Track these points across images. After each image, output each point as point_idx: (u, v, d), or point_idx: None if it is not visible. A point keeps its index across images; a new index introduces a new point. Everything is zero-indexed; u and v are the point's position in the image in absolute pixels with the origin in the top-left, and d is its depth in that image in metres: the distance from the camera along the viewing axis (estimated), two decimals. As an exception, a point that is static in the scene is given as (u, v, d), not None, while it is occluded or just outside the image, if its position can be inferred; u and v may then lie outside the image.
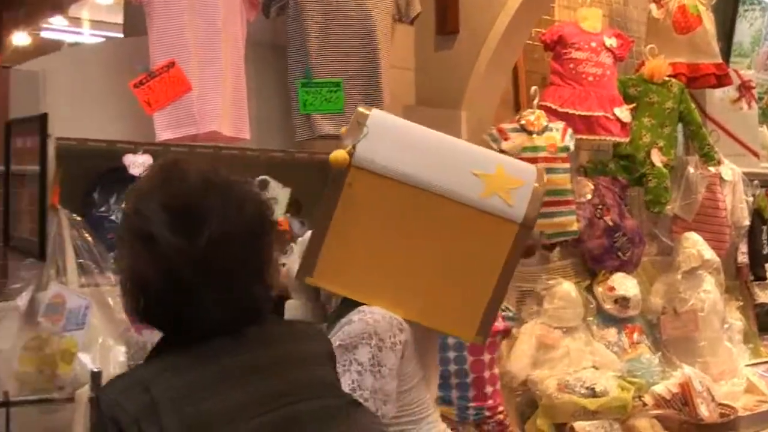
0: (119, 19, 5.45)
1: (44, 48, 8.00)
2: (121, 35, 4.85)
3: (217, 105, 3.71)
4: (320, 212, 2.61)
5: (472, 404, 3.97)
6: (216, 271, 1.77)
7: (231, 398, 1.73)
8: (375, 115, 2.63)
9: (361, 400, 2.37)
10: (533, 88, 4.73)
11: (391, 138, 2.59)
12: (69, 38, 8.67)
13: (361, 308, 2.53)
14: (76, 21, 8.79)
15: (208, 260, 1.75)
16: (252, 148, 3.85)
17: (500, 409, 4.07)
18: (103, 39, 7.41)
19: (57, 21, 8.60)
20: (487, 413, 4.01)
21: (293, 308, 2.65)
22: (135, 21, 3.99)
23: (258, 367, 1.81)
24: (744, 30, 6.24)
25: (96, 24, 8.74)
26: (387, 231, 2.58)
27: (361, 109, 2.66)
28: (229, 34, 3.79)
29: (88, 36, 8.75)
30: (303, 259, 2.58)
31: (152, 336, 3.47)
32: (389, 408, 2.47)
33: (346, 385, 2.38)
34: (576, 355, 4.65)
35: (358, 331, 2.45)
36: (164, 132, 3.61)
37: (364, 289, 2.58)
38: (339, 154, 2.53)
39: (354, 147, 2.54)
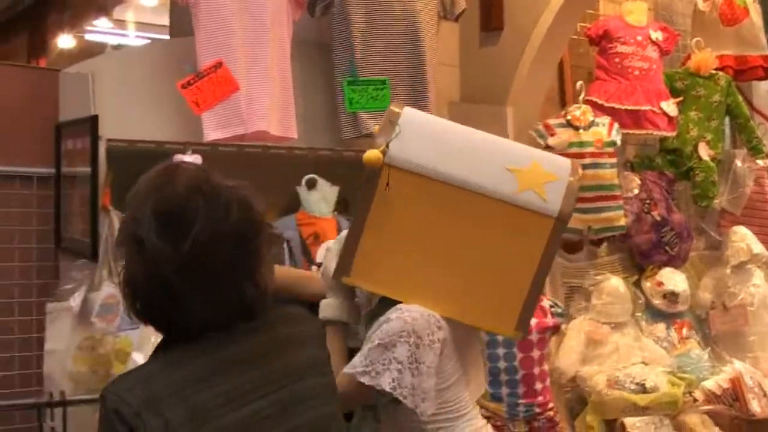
0: (164, 20, 5.48)
1: (89, 50, 8.08)
2: (167, 37, 4.87)
3: (265, 104, 3.72)
4: (356, 211, 2.62)
5: (522, 401, 3.95)
6: (202, 275, 1.82)
7: (226, 387, 1.80)
8: (407, 113, 2.62)
9: (400, 398, 2.41)
10: (579, 83, 4.70)
11: (424, 136, 2.59)
12: (113, 40, 8.74)
13: (398, 306, 2.54)
14: (120, 23, 8.85)
15: (194, 264, 1.81)
16: (300, 147, 3.86)
17: (550, 405, 4.05)
18: (148, 41, 7.46)
19: (102, 23, 8.68)
20: (538, 410, 3.98)
21: (329, 307, 2.64)
22: (181, 22, 4.01)
23: (248, 357, 1.87)
24: (790, 21, 6.16)
25: (141, 26, 8.80)
26: (422, 229, 2.58)
27: (393, 107, 2.66)
28: (276, 34, 3.80)
29: (133, 38, 8.82)
30: (340, 259, 2.58)
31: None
32: (428, 405, 2.47)
33: (386, 384, 2.41)
34: (625, 351, 4.62)
35: (396, 329, 2.46)
36: (213, 132, 3.63)
37: (402, 287, 2.59)
38: (372, 154, 2.54)
39: (387, 146, 2.54)
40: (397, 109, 2.63)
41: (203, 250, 1.81)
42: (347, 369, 2.46)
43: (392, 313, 2.51)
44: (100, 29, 8.81)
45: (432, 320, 2.52)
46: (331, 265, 2.61)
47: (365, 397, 2.52)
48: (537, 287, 2.64)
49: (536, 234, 2.60)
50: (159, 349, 1.89)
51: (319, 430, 1.97)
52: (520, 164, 2.59)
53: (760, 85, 5.81)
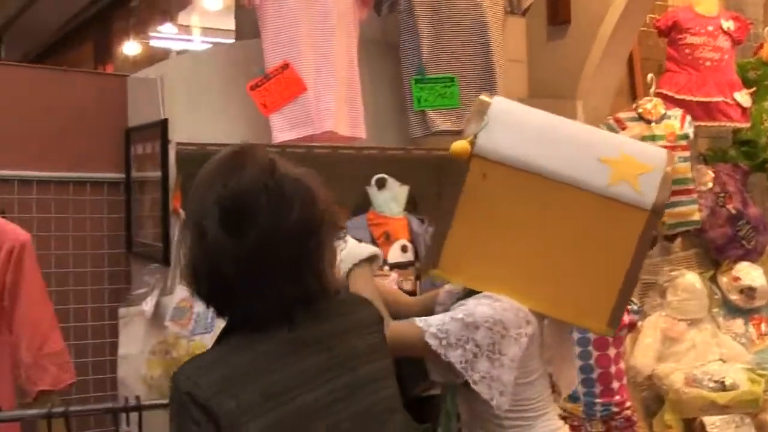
0: (229, 25, 5.49)
1: (154, 56, 8.16)
2: (231, 41, 4.88)
3: (333, 104, 3.69)
4: (443, 204, 2.57)
5: (599, 400, 3.89)
6: (262, 270, 1.82)
7: (296, 369, 1.82)
8: (497, 103, 2.57)
9: (470, 382, 2.39)
10: (649, 75, 4.63)
11: (513, 126, 2.53)
12: (178, 46, 8.78)
13: (490, 294, 2.50)
14: (185, 28, 8.90)
15: (254, 260, 1.80)
16: (369, 147, 3.83)
17: (628, 404, 3.97)
18: (212, 45, 7.48)
19: (166, 29, 8.73)
20: (615, 409, 3.91)
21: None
22: (246, 24, 4.01)
23: (315, 341, 1.88)
24: None
25: (205, 31, 8.84)
26: (512, 221, 2.52)
27: (482, 97, 2.60)
28: (343, 33, 3.77)
29: (197, 43, 8.86)
30: (427, 251, 2.54)
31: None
32: (504, 400, 2.43)
33: (455, 359, 2.39)
34: (702, 348, 4.54)
35: (484, 314, 2.43)
36: (281, 133, 3.61)
37: (491, 280, 2.54)
38: (460, 145, 2.50)
39: (475, 137, 2.50)
40: (486, 99, 2.58)
41: (264, 246, 1.81)
42: (420, 322, 2.44)
43: (484, 298, 2.48)
44: (165, 35, 8.87)
45: (521, 314, 2.48)
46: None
47: (419, 353, 2.48)
48: (630, 282, 2.59)
49: (629, 227, 2.53)
50: (223, 334, 1.89)
51: (382, 411, 1.98)
52: (611, 154, 2.53)
53: (835, 73, 5.65)
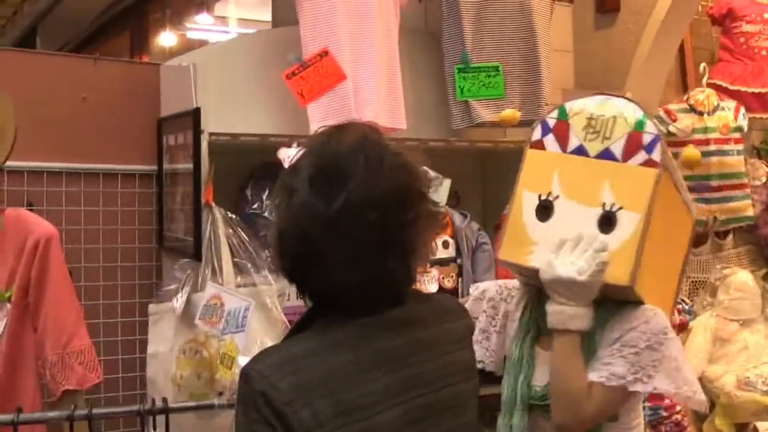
0: (265, 15, 5.40)
1: (190, 48, 8.07)
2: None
3: (373, 94, 3.56)
4: (643, 213, 2.39)
5: (647, 404, 3.73)
6: (349, 238, 1.72)
7: (376, 386, 1.72)
8: None
9: (680, 396, 2.32)
10: (702, 65, 4.46)
11: None
12: (214, 37, 8.71)
13: (645, 306, 2.37)
14: (221, 20, 8.83)
15: (342, 225, 1.71)
16: (410, 138, 3.68)
17: (677, 408, 3.82)
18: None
19: (203, 20, 8.66)
20: (664, 413, 3.76)
21: (582, 318, 2.32)
22: (284, 12, 3.88)
23: (404, 353, 1.79)
24: None
25: (242, 22, 8.76)
26: (654, 224, 2.38)
27: None
28: (383, 21, 3.64)
29: (234, 35, 8.78)
30: (634, 266, 2.36)
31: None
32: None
33: (663, 385, 2.27)
34: (755, 350, 4.35)
35: (660, 328, 2.31)
36: (319, 124, 3.45)
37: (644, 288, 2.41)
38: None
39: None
40: None
41: (354, 211, 1.71)
42: (612, 382, 2.27)
43: (646, 313, 2.34)
44: (200, 26, 8.80)
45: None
46: (562, 269, 2.32)
47: (619, 408, 2.36)
48: (680, 285, 2.58)
49: (687, 228, 2.59)
50: (310, 322, 1.81)
51: None
52: None
53: None
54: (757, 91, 4.51)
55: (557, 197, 2.42)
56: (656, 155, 2.33)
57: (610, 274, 2.29)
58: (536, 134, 2.53)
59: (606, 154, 2.38)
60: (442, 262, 3.52)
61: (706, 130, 4.19)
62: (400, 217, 1.75)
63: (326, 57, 3.45)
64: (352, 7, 3.55)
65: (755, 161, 4.63)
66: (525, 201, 2.46)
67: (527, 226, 2.43)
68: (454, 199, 3.78)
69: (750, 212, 4.39)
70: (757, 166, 4.60)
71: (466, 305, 2.57)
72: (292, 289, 3.36)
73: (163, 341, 3.30)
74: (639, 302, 2.36)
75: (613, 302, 2.36)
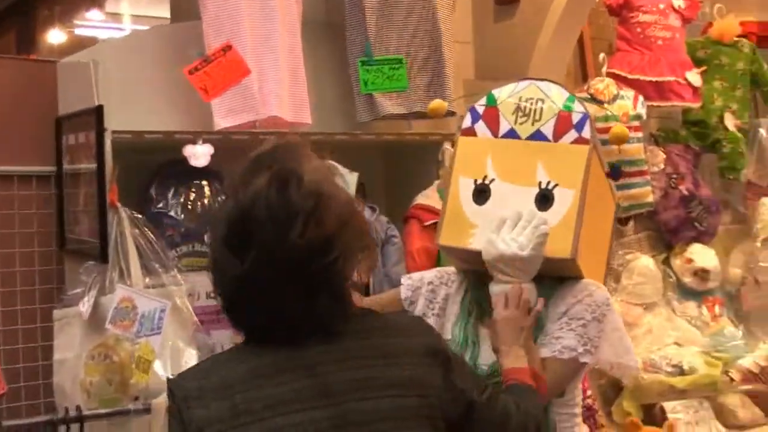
0: (159, 12, 5.29)
1: (80, 45, 7.89)
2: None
3: (277, 89, 3.53)
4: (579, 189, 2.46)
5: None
6: (261, 290, 1.74)
7: (276, 390, 1.73)
8: None
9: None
10: (601, 55, 4.52)
11: None
12: (106, 34, 8.52)
13: (587, 280, 2.45)
14: (113, 16, 8.65)
15: (253, 279, 1.73)
16: (316, 133, 3.65)
17: (588, 393, 3.87)
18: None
19: (94, 16, 8.47)
20: (576, 399, 3.81)
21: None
22: (183, 6, 3.81)
23: (310, 363, 1.77)
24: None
25: (136, 19, 8.58)
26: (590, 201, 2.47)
27: None
28: (285, 14, 3.60)
29: (128, 31, 8.59)
30: (574, 240, 2.39)
31: (220, 336, 3.33)
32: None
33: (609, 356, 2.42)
34: (658, 332, 4.46)
35: (602, 300, 2.40)
36: (223, 119, 3.42)
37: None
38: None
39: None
40: None
41: (264, 267, 1.72)
42: (565, 354, 2.34)
43: (589, 287, 2.42)
44: (91, 23, 8.61)
45: None
46: (504, 246, 2.34)
47: (570, 380, 2.42)
48: (610, 257, 2.72)
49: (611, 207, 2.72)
50: (240, 342, 1.87)
51: None
52: None
53: (779, 52, 5.61)
54: (654, 79, 4.57)
55: (493, 180, 2.47)
56: (586, 133, 2.42)
57: (551, 249, 2.35)
58: (466, 122, 2.58)
59: (537, 136, 2.45)
60: (353, 256, 3.47)
61: (606, 118, 4.22)
62: (319, 260, 1.73)
63: (230, 52, 3.39)
64: (254, 1, 3.50)
65: (654, 148, 4.70)
66: (461, 186, 2.50)
67: (465, 210, 2.48)
68: (361, 193, 3.76)
69: (650, 198, 4.45)
70: (656, 153, 4.68)
71: (401, 295, 2.62)
72: (201, 288, 3.34)
73: (70, 347, 3.21)
74: (577, 277, 2.40)
75: (552, 279, 2.42)
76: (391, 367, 1.81)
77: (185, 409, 1.72)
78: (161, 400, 2.70)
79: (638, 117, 4.33)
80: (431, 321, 2.52)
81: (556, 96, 2.48)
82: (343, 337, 1.80)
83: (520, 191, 2.44)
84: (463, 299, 2.53)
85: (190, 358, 3.03)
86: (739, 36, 4.99)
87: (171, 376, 1.89)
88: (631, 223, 4.67)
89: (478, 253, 2.36)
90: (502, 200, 2.44)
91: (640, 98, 4.37)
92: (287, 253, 1.71)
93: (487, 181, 2.48)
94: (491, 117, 2.52)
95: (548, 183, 2.42)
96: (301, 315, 1.75)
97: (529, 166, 2.45)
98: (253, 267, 1.71)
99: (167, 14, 4.55)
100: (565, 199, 2.39)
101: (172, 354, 3.00)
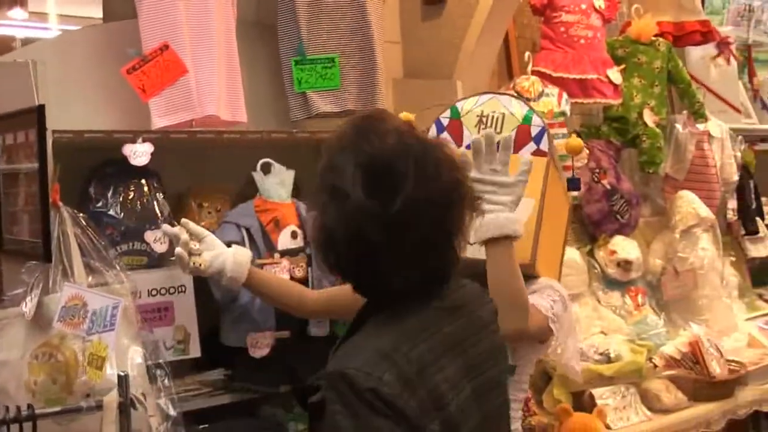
0: (88, 11, 5.24)
1: (1, 44, 7.76)
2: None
3: (213, 88, 3.56)
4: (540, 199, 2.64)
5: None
6: (409, 237, 1.77)
7: (449, 372, 1.78)
8: None
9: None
10: (527, 53, 4.62)
11: None
12: (28, 33, 8.37)
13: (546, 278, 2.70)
14: (38, 15, 8.49)
15: (402, 226, 1.76)
16: (253, 131, 3.70)
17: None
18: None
19: (16, 15, 8.31)
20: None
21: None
22: (116, 6, 3.81)
23: (460, 340, 1.85)
24: (715, -12, 6.20)
25: (64, 18, 8.44)
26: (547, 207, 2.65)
27: None
28: (222, 14, 3.64)
29: (56, 31, 8.45)
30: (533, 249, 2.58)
31: (163, 333, 3.35)
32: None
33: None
34: (585, 322, 4.59)
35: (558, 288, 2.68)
36: (161, 119, 3.45)
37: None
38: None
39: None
40: None
41: (413, 212, 1.76)
42: (542, 309, 2.52)
43: (548, 281, 2.67)
44: (12, 22, 8.44)
45: None
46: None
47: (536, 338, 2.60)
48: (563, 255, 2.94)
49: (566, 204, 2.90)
50: (363, 317, 1.85)
51: (501, 416, 1.97)
52: None
53: (693, 51, 5.80)
54: (578, 77, 4.68)
55: None
56: (544, 145, 2.57)
57: None
58: (431, 134, 2.75)
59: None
60: (291, 253, 3.53)
61: (533, 115, 4.34)
62: (452, 210, 1.81)
63: (167, 51, 3.42)
64: (191, 1, 3.53)
65: (577, 144, 4.82)
66: None
67: None
68: (296, 190, 3.80)
69: (575, 192, 4.58)
70: (579, 149, 4.81)
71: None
72: (143, 287, 3.36)
73: (12, 348, 3.18)
74: (536, 277, 2.53)
75: None
76: (496, 334, 2.00)
77: (404, 405, 1.68)
78: (112, 397, 2.72)
79: (562, 114, 4.44)
80: None
81: (516, 110, 2.60)
82: (464, 305, 1.92)
83: None
84: None
85: (136, 355, 3.04)
86: (656, 35, 5.15)
87: (357, 370, 1.69)
88: (557, 217, 4.80)
89: None
90: None
91: (564, 95, 4.49)
92: (433, 197, 1.78)
93: None
94: (455, 129, 2.65)
95: None
96: (438, 265, 1.82)
97: None
98: (402, 210, 1.75)
99: (95, 14, 4.53)
100: (525, 208, 2.52)
101: (118, 351, 3.01)
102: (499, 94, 2.65)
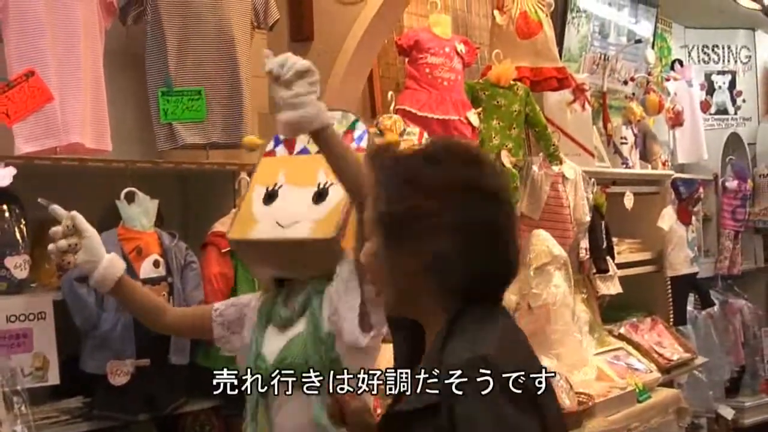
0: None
1: None
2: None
3: (79, 116, 3.57)
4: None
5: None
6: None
7: (537, 364, 1.95)
8: None
9: None
10: (390, 93, 4.74)
11: None
12: None
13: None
14: None
15: (512, 216, 2.01)
16: (118, 160, 3.72)
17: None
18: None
19: None
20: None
21: None
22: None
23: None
24: (572, 36, 6.45)
25: None
26: None
27: None
28: (89, 42, 3.65)
29: None
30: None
31: (23, 361, 3.32)
32: None
33: None
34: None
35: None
36: (24, 145, 3.43)
37: None
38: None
39: None
40: None
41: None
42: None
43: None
44: None
45: None
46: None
47: None
48: None
49: None
50: (455, 323, 1.87)
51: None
52: None
53: (550, 96, 6.00)
54: (440, 117, 4.82)
55: (281, 186, 2.96)
56: (363, 144, 2.96)
57: (320, 231, 2.81)
58: (269, 147, 3.16)
59: None
60: (153, 281, 3.54)
61: (394, 153, 4.45)
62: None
63: (33, 77, 3.41)
64: (58, 27, 3.54)
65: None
66: (255, 192, 3.02)
67: (254, 211, 2.96)
68: (159, 220, 3.82)
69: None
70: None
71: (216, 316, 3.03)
72: (2, 313, 3.32)
73: None
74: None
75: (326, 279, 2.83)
76: None
77: (533, 389, 1.79)
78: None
79: (423, 151, 4.56)
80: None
81: (343, 120, 3.03)
82: None
83: (302, 191, 2.92)
84: (260, 308, 2.95)
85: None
86: (515, 80, 5.32)
87: (495, 358, 1.76)
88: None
89: (261, 244, 2.90)
90: (287, 198, 2.95)
91: (425, 135, 4.60)
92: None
93: (276, 187, 2.98)
94: (289, 141, 3.05)
95: (325, 183, 2.89)
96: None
97: (313, 172, 2.91)
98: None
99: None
100: (336, 194, 2.83)
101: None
102: (332, 110, 2.90)
